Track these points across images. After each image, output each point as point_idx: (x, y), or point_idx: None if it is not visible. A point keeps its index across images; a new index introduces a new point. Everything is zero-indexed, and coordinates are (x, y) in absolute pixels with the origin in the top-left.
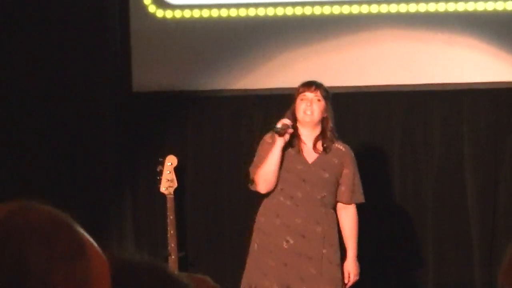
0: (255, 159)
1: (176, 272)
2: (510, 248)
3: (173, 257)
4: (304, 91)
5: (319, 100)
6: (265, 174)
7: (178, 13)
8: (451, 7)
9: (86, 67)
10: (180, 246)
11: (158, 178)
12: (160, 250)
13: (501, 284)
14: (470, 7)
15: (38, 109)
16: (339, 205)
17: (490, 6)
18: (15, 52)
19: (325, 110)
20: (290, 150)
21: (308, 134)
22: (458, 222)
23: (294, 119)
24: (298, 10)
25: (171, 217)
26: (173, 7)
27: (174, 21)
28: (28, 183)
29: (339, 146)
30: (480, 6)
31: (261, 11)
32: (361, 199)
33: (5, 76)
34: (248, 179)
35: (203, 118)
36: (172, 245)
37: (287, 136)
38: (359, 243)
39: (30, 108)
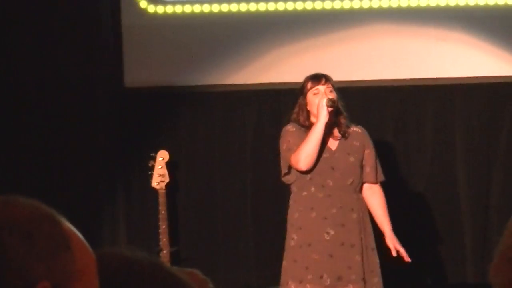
0: (286, 146)
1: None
2: (501, 243)
3: (165, 252)
4: (314, 85)
5: (331, 92)
6: (308, 150)
7: (169, 9)
8: (442, 2)
9: (78, 62)
10: (172, 241)
11: (150, 173)
12: (152, 245)
13: (491, 278)
14: (462, 2)
15: (30, 105)
16: (365, 186)
17: (481, 1)
18: (5, 48)
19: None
20: None
21: (326, 124)
22: (451, 219)
23: (307, 115)
24: (290, 5)
25: (163, 212)
26: (164, 2)
27: (165, 16)
28: (20, 180)
29: (355, 128)
30: (472, 1)
31: (252, 7)
32: (383, 177)
33: None
34: (282, 171)
35: (195, 113)
36: (164, 240)
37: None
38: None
39: (22, 104)
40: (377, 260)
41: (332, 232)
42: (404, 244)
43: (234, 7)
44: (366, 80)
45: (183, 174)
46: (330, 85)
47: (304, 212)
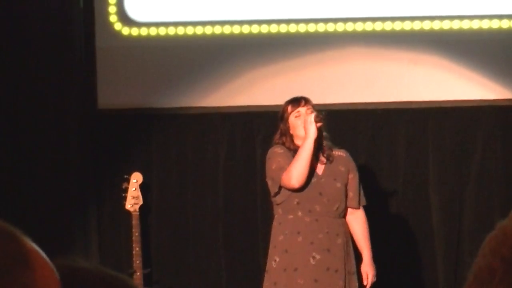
0: (275, 166)
1: None
2: (474, 266)
3: (138, 274)
4: (295, 108)
5: (312, 112)
6: (301, 166)
7: (144, 31)
8: (417, 25)
9: (51, 83)
10: (145, 263)
11: (123, 195)
12: (125, 267)
13: None
14: (436, 25)
15: (2, 125)
16: (348, 211)
17: (455, 25)
18: None
19: None
20: None
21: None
22: (423, 242)
23: (291, 139)
24: (264, 28)
25: (137, 234)
26: (139, 24)
27: (139, 38)
28: None
29: (339, 152)
30: (446, 25)
31: (227, 29)
32: (364, 201)
33: None
34: (272, 191)
35: (169, 135)
36: (137, 262)
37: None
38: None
39: None
40: (356, 284)
41: (318, 257)
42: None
43: (208, 30)
44: (339, 104)
45: (156, 196)
46: (310, 106)
47: (290, 235)
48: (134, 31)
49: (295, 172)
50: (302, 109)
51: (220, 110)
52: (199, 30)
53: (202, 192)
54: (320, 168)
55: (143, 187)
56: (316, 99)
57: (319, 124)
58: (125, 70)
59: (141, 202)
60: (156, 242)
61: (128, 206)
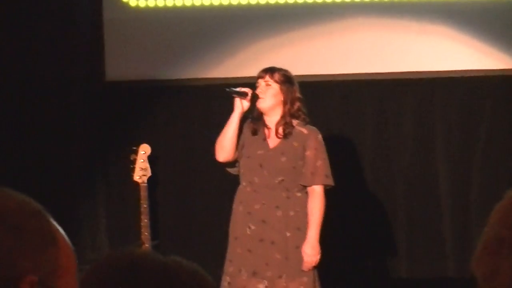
0: None
1: None
2: (483, 234)
3: (146, 245)
4: (257, 79)
5: (268, 85)
6: (221, 141)
7: (151, 2)
8: None
9: (59, 56)
10: (154, 234)
11: (131, 166)
12: (133, 238)
13: (474, 270)
14: None
15: (9, 100)
16: (308, 188)
17: None
18: None
19: (279, 94)
20: (256, 137)
21: (271, 120)
22: (431, 213)
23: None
24: None
25: (145, 206)
26: None
27: (147, 10)
28: None
29: (302, 129)
30: None
31: (234, 0)
32: (325, 181)
33: None
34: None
35: (176, 106)
36: (146, 233)
37: (245, 104)
38: (329, 229)
39: (1, 100)
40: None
41: (253, 227)
42: (385, 239)
43: (215, 1)
44: (346, 74)
45: (163, 167)
46: (268, 78)
47: (235, 205)
48: (142, 3)
49: (217, 146)
50: (260, 81)
51: (227, 82)
52: (206, 1)
53: (209, 163)
54: (274, 143)
55: (151, 158)
56: (322, 70)
57: (240, 98)
58: (132, 42)
59: (149, 174)
60: (164, 213)
61: (136, 177)
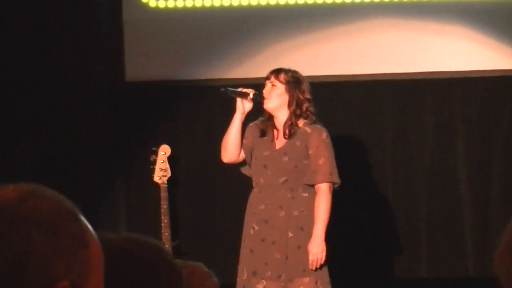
0: None
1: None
2: (505, 233)
3: (167, 246)
4: (265, 80)
5: (273, 86)
6: (224, 142)
7: (170, 3)
8: None
9: (79, 57)
10: (174, 235)
11: (151, 167)
12: (154, 239)
13: (496, 268)
14: None
15: (31, 99)
16: (315, 187)
17: None
18: (6, 43)
19: (285, 94)
20: (265, 138)
21: (279, 122)
22: (451, 212)
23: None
24: (291, 0)
25: (165, 206)
26: None
27: (167, 11)
28: (20, 174)
29: (307, 128)
30: None
31: (254, 1)
32: (329, 179)
33: None
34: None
35: (196, 107)
36: (166, 234)
37: (247, 105)
38: (350, 228)
39: (23, 99)
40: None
41: (256, 228)
42: (405, 237)
43: (235, 1)
44: (365, 74)
45: (183, 168)
46: (273, 79)
47: (247, 207)
48: (161, 3)
49: (221, 148)
50: (267, 82)
51: (247, 82)
52: (226, 2)
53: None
54: (280, 144)
55: (171, 159)
56: (342, 71)
57: (240, 99)
58: (152, 42)
59: (169, 174)
60: (184, 214)
61: (156, 178)
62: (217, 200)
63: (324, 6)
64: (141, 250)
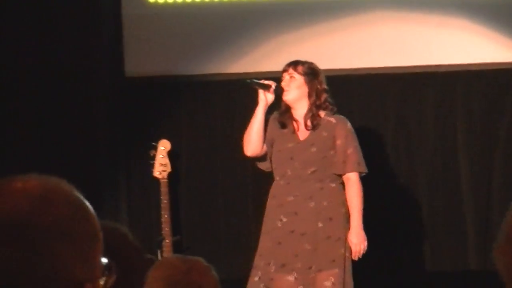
0: None
1: (171, 255)
2: (504, 226)
3: (167, 241)
4: (282, 72)
5: (292, 77)
6: (248, 135)
7: None
8: None
9: (79, 53)
10: (174, 230)
11: (151, 162)
12: (154, 234)
13: (496, 260)
14: None
15: (30, 95)
16: (344, 177)
17: None
18: (5, 38)
19: (304, 86)
20: (285, 130)
21: (298, 113)
22: (453, 206)
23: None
24: None
25: (165, 201)
26: None
27: (166, 5)
28: (21, 168)
29: (331, 118)
30: None
31: None
32: (357, 168)
33: None
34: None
35: (196, 102)
36: (166, 229)
37: (269, 97)
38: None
39: (22, 94)
40: (342, 251)
41: (284, 220)
42: (407, 231)
43: None
44: (367, 68)
45: (184, 163)
46: (291, 71)
47: (268, 200)
48: None
49: (244, 140)
50: (285, 74)
51: (248, 76)
52: None
53: (230, 159)
54: (303, 135)
55: (172, 154)
56: (343, 64)
57: (264, 91)
58: (152, 37)
59: (169, 169)
60: (185, 209)
61: (156, 173)
62: (218, 195)
63: (325, 0)
64: (108, 235)
